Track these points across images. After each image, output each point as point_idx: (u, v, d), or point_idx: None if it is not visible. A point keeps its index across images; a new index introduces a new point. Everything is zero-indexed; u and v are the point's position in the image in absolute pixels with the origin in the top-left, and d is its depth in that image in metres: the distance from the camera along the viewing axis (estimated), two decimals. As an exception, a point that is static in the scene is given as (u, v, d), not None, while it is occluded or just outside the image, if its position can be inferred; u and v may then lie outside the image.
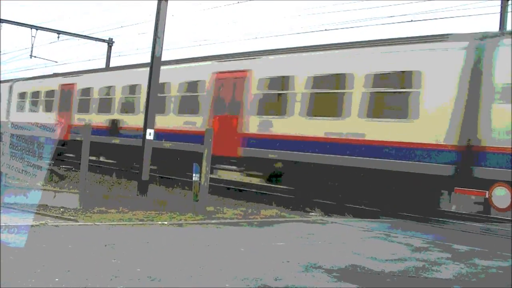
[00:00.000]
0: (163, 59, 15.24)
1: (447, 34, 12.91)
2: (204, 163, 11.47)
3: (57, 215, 9.54)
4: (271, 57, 16.84)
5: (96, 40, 33.25)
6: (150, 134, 14.26)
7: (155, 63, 14.54)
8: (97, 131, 19.68)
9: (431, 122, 12.45)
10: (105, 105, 23.33)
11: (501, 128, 11.31)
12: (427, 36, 13.26)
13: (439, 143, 12.23)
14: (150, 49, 14.87)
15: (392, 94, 13.45)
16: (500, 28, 18.42)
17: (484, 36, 12.27)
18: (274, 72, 16.27)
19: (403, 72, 13.27)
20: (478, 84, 11.84)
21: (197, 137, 16.02)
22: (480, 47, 12.17)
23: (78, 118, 24.53)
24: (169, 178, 18.87)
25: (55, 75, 28.83)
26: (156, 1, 14.53)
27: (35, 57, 32.05)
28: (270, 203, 14.53)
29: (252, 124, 16.36)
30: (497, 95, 11.49)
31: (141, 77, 18.86)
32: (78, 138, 22.64)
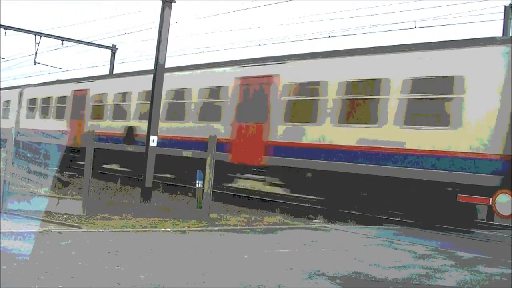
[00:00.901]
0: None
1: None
2: (207, 170, 11.46)
3: (60, 221, 9.56)
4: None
5: (99, 47, 33.32)
6: (153, 141, 14.26)
7: (158, 70, 14.56)
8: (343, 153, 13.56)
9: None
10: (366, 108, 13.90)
11: None
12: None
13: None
14: (154, 56, 14.85)
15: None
16: (503, 34, 18.43)
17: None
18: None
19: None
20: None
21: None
22: None
23: (284, 131, 15.10)
24: (173, 185, 18.88)
25: (227, 63, 18.19)
26: (160, 8, 14.58)
27: (39, 63, 32.23)
28: (274, 210, 14.52)
29: None
30: None
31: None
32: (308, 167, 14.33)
